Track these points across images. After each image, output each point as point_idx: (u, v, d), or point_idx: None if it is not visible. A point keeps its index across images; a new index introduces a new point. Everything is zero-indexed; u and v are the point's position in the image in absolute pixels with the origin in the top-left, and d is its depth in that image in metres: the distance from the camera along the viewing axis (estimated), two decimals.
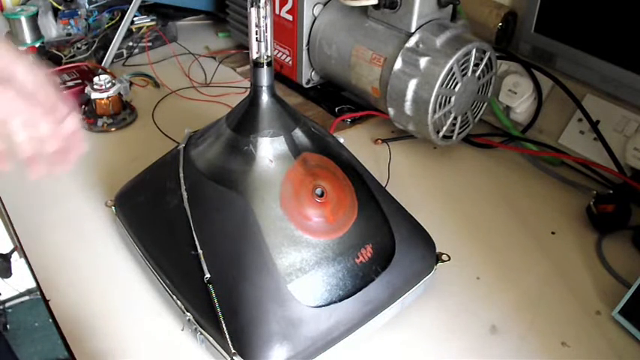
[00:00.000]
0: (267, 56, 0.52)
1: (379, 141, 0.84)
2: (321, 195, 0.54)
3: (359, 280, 0.54)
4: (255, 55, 0.52)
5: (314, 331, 0.50)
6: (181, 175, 0.57)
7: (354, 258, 0.54)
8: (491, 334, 0.57)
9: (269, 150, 0.54)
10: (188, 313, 0.53)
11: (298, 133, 0.56)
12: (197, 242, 0.52)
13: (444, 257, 0.60)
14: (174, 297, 0.54)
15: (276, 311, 0.49)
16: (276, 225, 0.52)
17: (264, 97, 0.54)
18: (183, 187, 0.56)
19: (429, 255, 0.59)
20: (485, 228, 0.70)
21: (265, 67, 0.53)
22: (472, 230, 0.70)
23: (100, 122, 0.85)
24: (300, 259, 0.52)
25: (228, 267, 0.51)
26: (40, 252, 0.65)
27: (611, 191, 0.72)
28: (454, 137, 0.80)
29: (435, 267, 0.60)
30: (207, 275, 0.51)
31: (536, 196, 0.76)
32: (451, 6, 0.78)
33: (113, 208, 0.65)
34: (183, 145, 0.59)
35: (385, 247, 0.56)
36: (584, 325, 0.59)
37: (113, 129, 0.85)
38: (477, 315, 0.59)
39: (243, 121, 0.55)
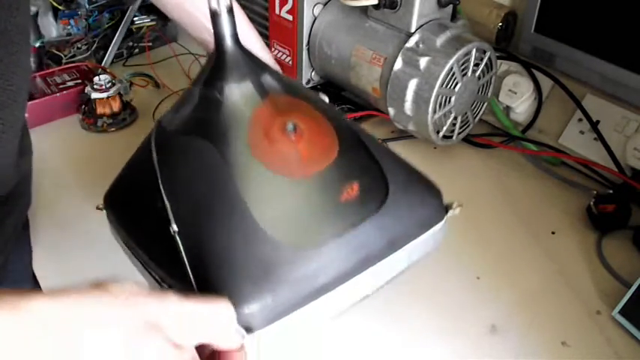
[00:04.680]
0: (227, 3, 0.47)
1: (379, 141, 0.84)
2: (293, 130, 0.50)
3: (345, 220, 0.49)
4: (213, 5, 0.47)
5: (297, 274, 0.45)
6: (153, 143, 0.52)
7: (338, 195, 0.49)
8: (491, 334, 0.57)
9: (236, 94, 0.51)
10: (164, 284, 0.49)
11: (267, 79, 0.53)
12: (165, 197, 0.48)
13: (455, 206, 0.54)
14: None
15: (253, 254, 0.45)
16: (246, 166, 0.48)
17: (228, 46, 0.50)
18: (153, 149, 0.51)
19: (434, 202, 0.54)
20: (485, 228, 0.70)
21: (226, 14, 0.48)
22: (472, 230, 0.70)
23: (100, 122, 0.85)
24: (274, 199, 0.48)
25: (198, 216, 0.47)
26: (39, 252, 0.65)
27: (611, 191, 0.72)
28: (454, 137, 0.80)
29: (444, 218, 0.54)
30: (175, 228, 0.46)
31: (536, 196, 0.76)
32: (451, 6, 0.78)
33: (104, 210, 0.62)
34: (159, 120, 0.55)
35: (376, 188, 0.51)
36: (584, 325, 0.59)
37: (113, 129, 0.85)
38: (477, 315, 0.59)
39: (209, 74, 0.52)
